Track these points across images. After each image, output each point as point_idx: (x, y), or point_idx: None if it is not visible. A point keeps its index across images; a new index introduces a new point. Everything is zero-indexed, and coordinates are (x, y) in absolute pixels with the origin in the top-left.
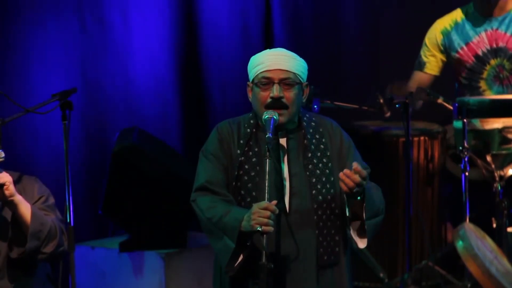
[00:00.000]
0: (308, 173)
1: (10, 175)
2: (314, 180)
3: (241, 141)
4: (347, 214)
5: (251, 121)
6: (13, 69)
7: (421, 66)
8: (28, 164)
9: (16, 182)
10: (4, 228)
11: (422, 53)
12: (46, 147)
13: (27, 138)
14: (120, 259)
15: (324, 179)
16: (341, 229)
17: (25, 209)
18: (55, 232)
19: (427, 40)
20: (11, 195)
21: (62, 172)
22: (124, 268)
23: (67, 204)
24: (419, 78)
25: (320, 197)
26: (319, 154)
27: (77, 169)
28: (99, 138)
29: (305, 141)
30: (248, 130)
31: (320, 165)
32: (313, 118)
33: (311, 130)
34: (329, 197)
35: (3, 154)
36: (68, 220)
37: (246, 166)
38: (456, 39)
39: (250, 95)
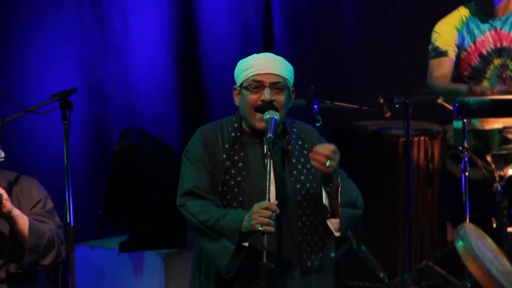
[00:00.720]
0: (293, 179)
1: (9, 175)
2: (298, 186)
3: (226, 146)
4: (324, 202)
5: (235, 125)
6: (13, 69)
7: (442, 53)
8: (28, 164)
9: (14, 183)
10: (3, 241)
11: (438, 44)
12: (46, 147)
13: (27, 138)
14: (120, 259)
15: (308, 185)
16: (325, 235)
17: (23, 223)
18: (53, 243)
19: (443, 33)
20: (9, 212)
21: (62, 172)
22: (124, 268)
23: (67, 204)
24: (445, 64)
25: (304, 203)
26: (302, 160)
27: (77, 169)
28: (99, 138)
29: (289, 146)
30: (232, 134)
31: (304, 171)
32: (295, 124)
33: (294, 136)
34: (313, 203)
35: (3, 154)
36: (68, 220)
37: (232, 171)
38: (466, 37)
39: (236, 99)
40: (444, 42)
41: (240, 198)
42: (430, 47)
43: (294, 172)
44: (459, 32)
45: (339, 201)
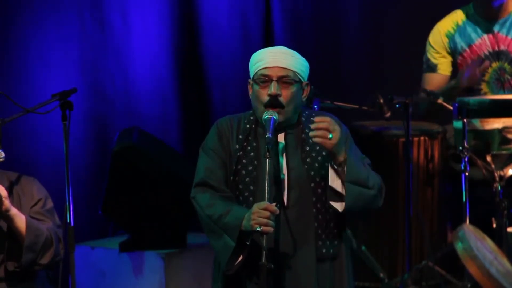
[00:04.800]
0: (306, 166)
1: (10, 175)
2: (312, 173)
3: (240, 136)
4: (329, 183)
5: (251, 117)
6: (13, 69)
7: (432, 68)
8: (28, 164)
9: (14, 183)
10: (1, 239)
11: (429, 56)
12: (46, 147)
13: (27, 138)
14: (120, 259)
15: (323, 172)
16: (341, 223)
17: (20, 222)
18: (51, 242)
19: (433, 43)
20: (7, 210)
21: (62, 172)
22: (124, 268)
23: (67, 204)
24: (433, 80)
25: (319, 190)
26: (317, 147)
27: (77, 169)
28: (99, 138)
29: (303, 135)
30: (248, 125)
31: (319, 158)
32: (313, 114)
33: (310, 125)
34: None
35: (3, 154)
36: (68, 220)
37: (244, 161)
38: (459, 42)
39: (250, 92)
40: (434, 55)
41: (252, 188)
42: (424, 57)
43: (308, 160)
44: (451, 38)
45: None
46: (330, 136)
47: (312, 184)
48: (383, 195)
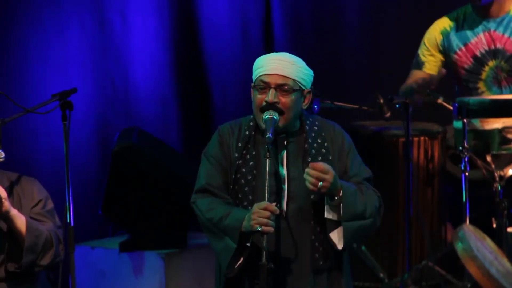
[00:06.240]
0: None
1: (10, 175)
2: None
3: (239, 144)
4: (325, 216)
5: (251, 123)
6: (13, 69)
7: (419, 65)
8: (28, 164)
9: (15, 183)
10: (1, 239)
11: (420, 52)
12: (46, 147)
13: (27, 138)
14: (120, 259)
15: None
16: None
17: (20, 223)
18: (51, 243)
19: (426, 40)
20: (7, 211)
21: (62, 172)
22: (124, 268)
23: (67, 204)
24: (418, 77)
25: (318, 202)
26: (320, 158)
27: (77, 169)
28: (99, 138)
29: (306, 145)
30: (247, 132)
31: None
32: (316, 122)
33: (313, 134)
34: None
35: (3, 155)
36: (68, 220)
37: (243, 170)
38: (454, 40)
39: (252, 95)
40: (425, 52)
41: (251, 197)
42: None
43: None
44: (446, 35)
45: (341, 216)
46: (320, 184)
47: (312, 196)
48: (382, 213)
